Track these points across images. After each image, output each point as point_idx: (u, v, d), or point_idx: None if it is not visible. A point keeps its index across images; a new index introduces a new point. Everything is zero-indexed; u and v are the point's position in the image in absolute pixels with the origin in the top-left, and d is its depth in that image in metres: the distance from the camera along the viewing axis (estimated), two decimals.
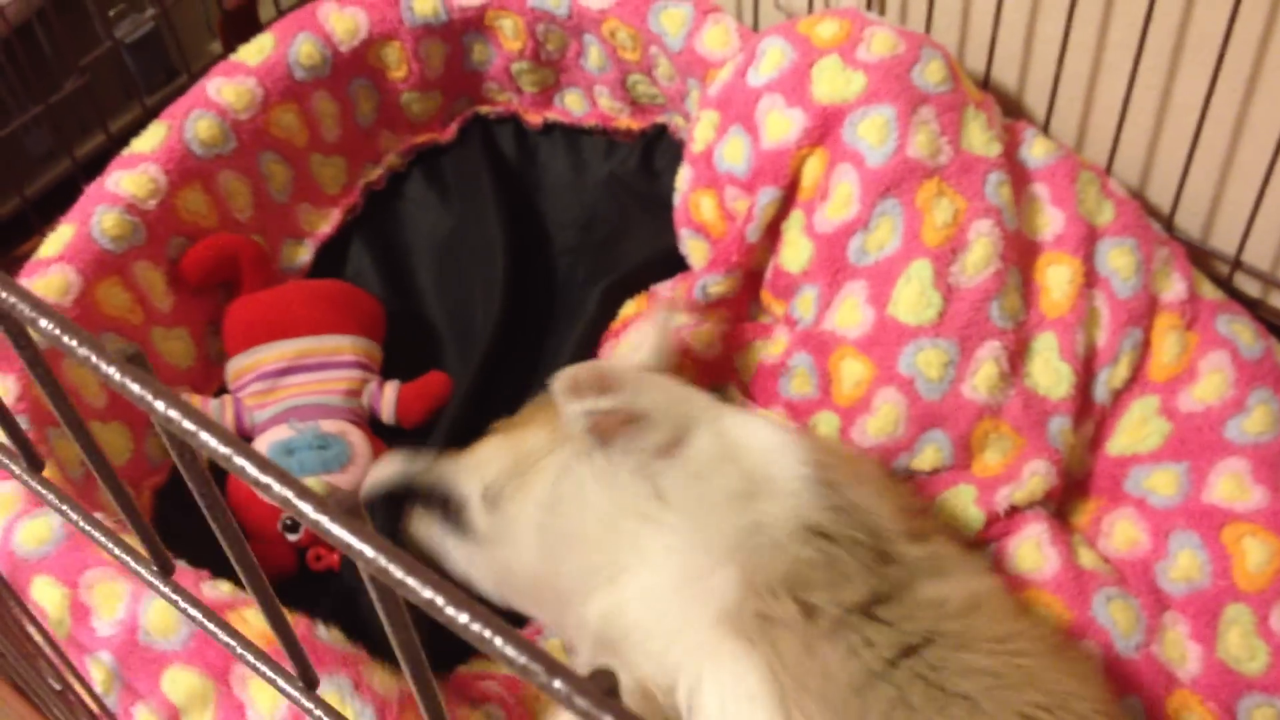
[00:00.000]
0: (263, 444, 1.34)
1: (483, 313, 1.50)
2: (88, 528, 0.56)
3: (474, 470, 1.15)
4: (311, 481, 1.29)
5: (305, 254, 1.53)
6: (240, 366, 1.41)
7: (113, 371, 0.42)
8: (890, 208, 1.22)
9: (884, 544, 0.98)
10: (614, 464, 1.03)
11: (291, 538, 1.31)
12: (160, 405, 0.41)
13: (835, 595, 0.94)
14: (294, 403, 1.38)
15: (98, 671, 1.00)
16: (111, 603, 1.00)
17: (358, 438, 1.36)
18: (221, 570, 1.03)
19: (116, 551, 0.56)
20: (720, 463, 1.02)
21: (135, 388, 0.41)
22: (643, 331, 1.22)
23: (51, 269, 1.26)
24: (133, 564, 0.55)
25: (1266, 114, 1.20)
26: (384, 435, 1.40)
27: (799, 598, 0.94)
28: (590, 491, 1.05)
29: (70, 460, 1.20)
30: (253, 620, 0.98)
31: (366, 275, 1.55)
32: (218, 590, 1.01)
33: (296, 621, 0.98)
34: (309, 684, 0.52)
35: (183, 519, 1.30)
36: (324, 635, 0.98)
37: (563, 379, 1.03)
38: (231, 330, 1.43)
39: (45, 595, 1.01)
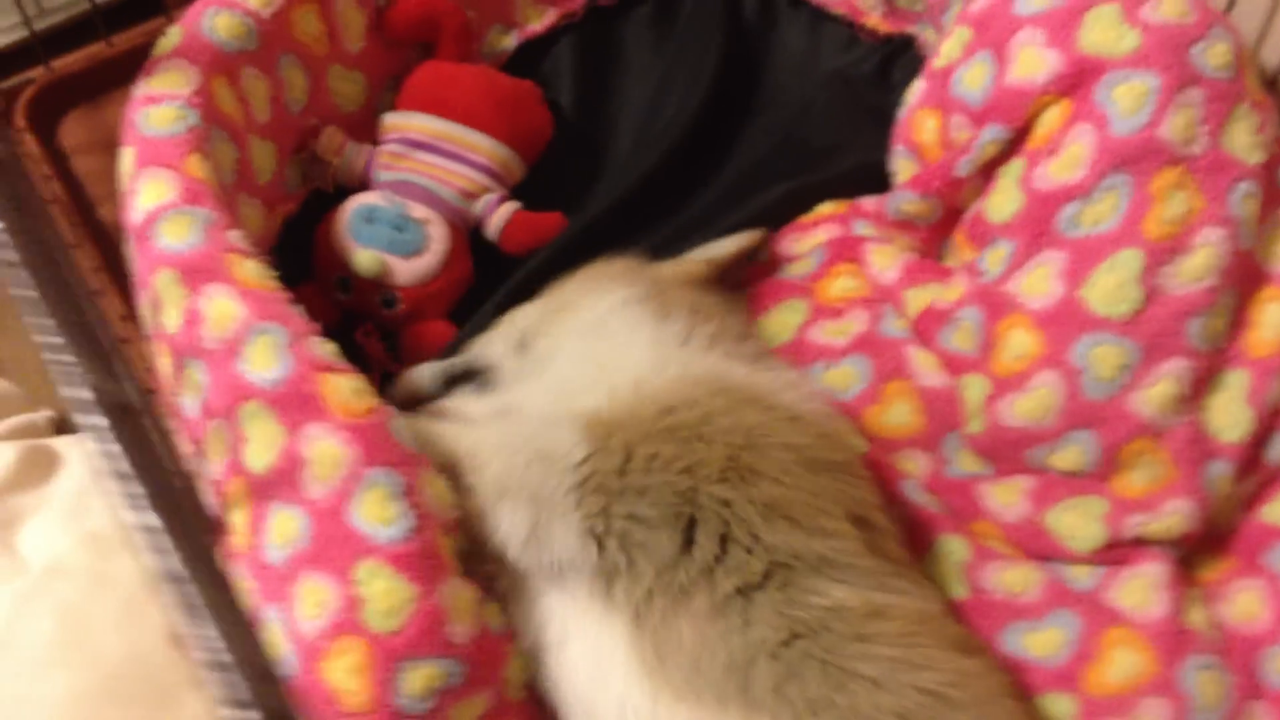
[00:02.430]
0: (353, 202, 1.33)
1: (647, 163, 1.43)
2: None
3: (508, 326, 1.18)
4: (371, 254, 1.28)
5: (509, 43, 1.50)
6: (392, 123, 1.40)
7: None
8: (1120, 184, 1.11)
9: (710, 522, 0.93)
10: None
11: (341, 296, 1.31)
12: None
13: (681, 582, 0.92)
14: (411, 178, 1.36)
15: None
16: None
17: (440, 234, 1.32)
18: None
19: None
20: (493, 507, 0.98)
21: None
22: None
23: None
24: None
25: None
26: (481, 253, 1.38)
27: (644, 586, 0.93)
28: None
29: (225, 164, 1.20)
30: (342, 388, 0.95)
31: (558, 82, 1.51)
32: (322, 349, 0.98)
33: (379, 408, 0.96)
34: None
35: (303, 250, 1.33)
36: (398, 429, 0.95)
37: None
38: (406, 88, 1.41)
39: None
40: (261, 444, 0.94)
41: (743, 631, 0.90)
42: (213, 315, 0.97)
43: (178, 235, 1.02)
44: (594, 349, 1.08)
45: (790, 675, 0.88)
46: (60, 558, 1.01)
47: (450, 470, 0.99)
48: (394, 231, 1.30)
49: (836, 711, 0.87)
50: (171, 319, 1.01)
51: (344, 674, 0.88)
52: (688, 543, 0.93)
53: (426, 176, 1.36)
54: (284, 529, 0.93)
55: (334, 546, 0.90)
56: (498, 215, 1.37)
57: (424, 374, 1.17)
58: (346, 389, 0.95)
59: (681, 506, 0.93)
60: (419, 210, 1.32)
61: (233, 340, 0.96)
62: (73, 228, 1.40)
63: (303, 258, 1.34)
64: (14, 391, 1.33)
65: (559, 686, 0.98)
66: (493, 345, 1.17)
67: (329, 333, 1.26)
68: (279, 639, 0.92)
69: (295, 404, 0.93)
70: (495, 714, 0.95)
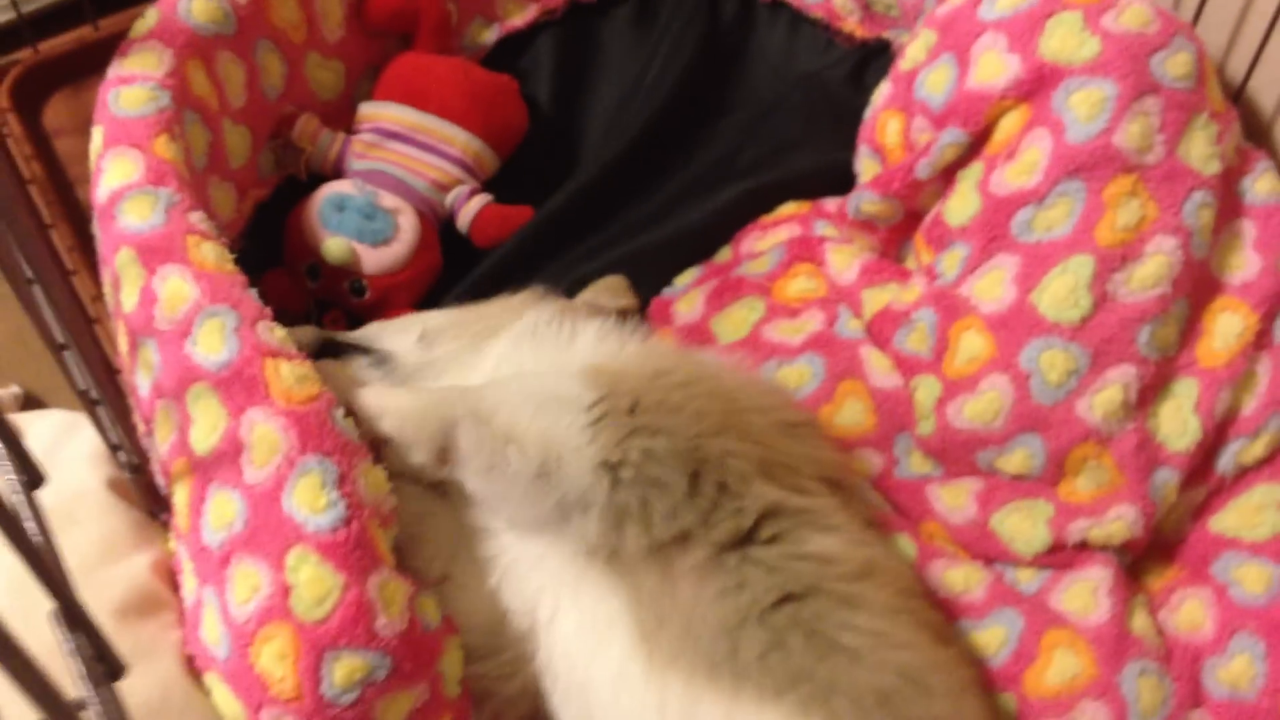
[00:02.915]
0: (324, 190, 1.34)
1: (608, 154, 1.45)
2: None
3: (413, 321, 1.18)
4: (340, 241, 1.29)
5: (489, 37, 1.51)
6: (367, 113, 1.41)
7: None
8: (1074, 190, 1.11)
9: (712, 471, 0.94)
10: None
11: (310, 283, 1.32)
12: None
13: (684, 527, 0.92)
14: (384, 167, 1.37)
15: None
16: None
17: (410, 224, 1.33)
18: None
19: None
20: (499, 453, 0.96)
21: None
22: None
23: None
24: None
25: None
26: (453, 245, 1.40)
27: (652, 534, 0.92)
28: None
29: (198, 147, 1.22)
30: (285, 374, 0.96)
31: (536, 78, 1.52)
32: (270, 335, 0.99)
33: (321, 395, 0.96)
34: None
35: (272, 236, 1.34)
36: (339, 420, 0.96)
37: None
38: (383, 78, 1.43)
39: None
40: (206, 425, 0.94)
41: (736, 594, 0.91)
42: (166, 296, 0.98)
43: (139, 215, 1.03)
44: (534, 350, 1.10)
45: (776, 643, 0.89)
46: None
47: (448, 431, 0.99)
48: (364, 220, 1.31)
49: (814, 684, 0.88)
50: (129, 298, 1.02)
51: (271, 660, 0.88)
52: (691, 490, 0.94)
53: (399, 167, 1.37)
54: (222, 511, 0.93)
55: (267, 532, 0.90)
56: (469, 207, 1.38)
57: (304, 334, 1.17)
58: (290, 376, 0.96)
59: (690, 454, 0.94)
60: (389, 200, 1.34)
61: (184, 321, 0.97)
62: (49, 207, 1.42)
63: (274, 243, 1.36)
64: None
65: (551, 664, 0.98)
66: (390, 335, 1.17)
67: (298, 319, 1.29)
68: (213, 622, 0.94)
69: (239, 387, 0.94)
70: (428, 710, 0.94)
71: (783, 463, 0.98)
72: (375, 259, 1.31)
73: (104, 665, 0.52)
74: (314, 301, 1.34)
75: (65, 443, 1.16)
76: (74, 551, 1.02)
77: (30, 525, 0.53)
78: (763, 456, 0.97)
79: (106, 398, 1.04)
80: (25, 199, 1.44)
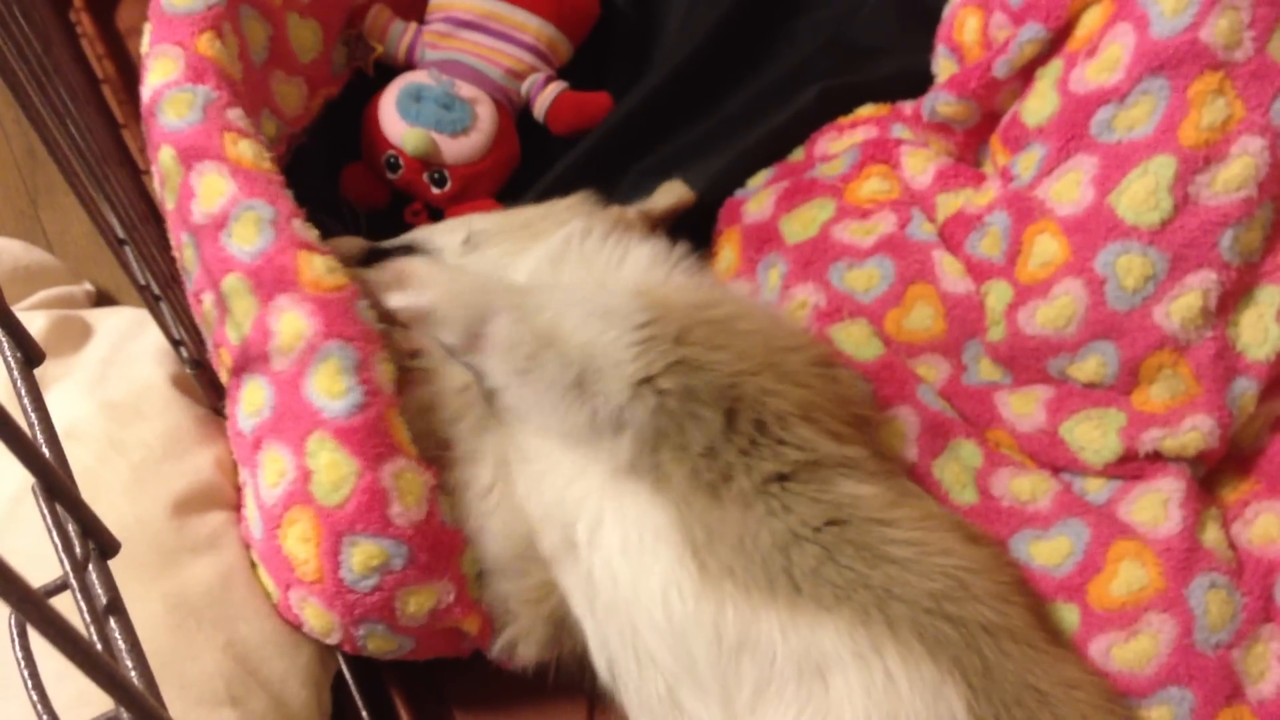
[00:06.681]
0: (401, 81, 1.34)
1: (683, 52, 1.42)
2: None
3: (458, 223, 1.17)
4: (420, 132, 1.29)
5: None
6: (438, 2, 1.40)
7: None
8: (1156, 88, 1.07)
9: (748, 409, 0.93)
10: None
11: (391, 175, 1.33)
12: None
13: (725, 461, 0.92)
14: (459, 57, 1.36)
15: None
16: None
17: (488, 113, 1.33)
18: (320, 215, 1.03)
19: None
20: (536, 352, 0.96)
21: None
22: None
23: None
24: None
25: None
26: (528, 135, 1.39)
27: (691, 462, 0.92)
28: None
29: (257, 42, 1.21)
30: (316, 264, 0.96)
31: None
32: (306, 232, 0.99)
33: (349, 285, 0.97)
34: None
35: (341, 134, 1.34)
36: (363, 310, 0.96)
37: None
38: None
39: None
40: (239, 316, 0.96)
41: (783, 515, 0.92)
42: (203, 191, 0.98)
43: (177, 113, 1.03)
44: (580, 264, 1.09)
45: (827, 557, 0.90)
46: (78, 423, 1.04)
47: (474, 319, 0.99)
48: (442, 110, 1.31)
49: (870, 592, 0.89)
50: (170, 197, 1.02)
51: (296, 543, 0.91)
52: (728, 427, 0.93)
53: (473, 55, 1.37)
54: (252, 399, 0.95)
55: (290, 418, 0.92)
56: (544, 95, 1.38)
57: (349, 244, 1.17)
58: (321, 266, 0.96)
59: (726, 392, 0.94)
60: (466, 89, 1.34)
61: (220, 215, 0.97)
62: (120, 106, 1.42)
63: (342, 141, 1.35)
64: (55, 264, 1.36)
65: (590, 581, 0.97)
66: (439, 235, 1.17)
67: (380, 212, 1.27)
68: (250, 503, 0.96)
69: (270, 277, 0.95)
70: (454, 609, 0.96)
71: (819, 404, 0.97)
72: (455, 149, 1.31)
73: (94, 542, 0.52)
74: (393, 193, 1.35)
75: (134, 339, 1.17)
76: (139, 445, 1.05)
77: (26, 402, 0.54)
78: (802, 398, 0.96)
79: (169, 294, 1.05)
80: (97, 98, 1.45)
